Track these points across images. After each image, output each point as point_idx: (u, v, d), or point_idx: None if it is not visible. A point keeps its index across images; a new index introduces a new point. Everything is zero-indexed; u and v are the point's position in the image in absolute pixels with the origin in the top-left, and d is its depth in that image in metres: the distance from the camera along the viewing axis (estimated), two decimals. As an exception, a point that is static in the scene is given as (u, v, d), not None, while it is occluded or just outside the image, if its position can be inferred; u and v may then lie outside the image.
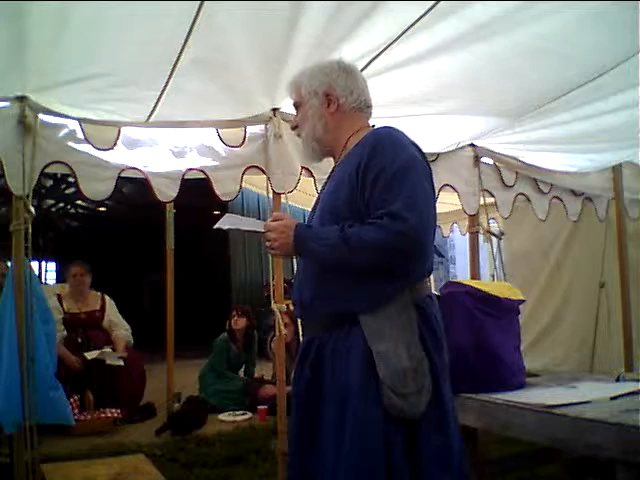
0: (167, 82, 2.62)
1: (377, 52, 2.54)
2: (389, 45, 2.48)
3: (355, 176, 1.73)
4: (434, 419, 1.71)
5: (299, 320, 3.68)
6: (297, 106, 1.98)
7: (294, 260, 3.54)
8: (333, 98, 1.89)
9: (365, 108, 1.94)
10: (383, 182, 1.67)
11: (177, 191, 3.03)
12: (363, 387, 1.68)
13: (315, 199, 2.04)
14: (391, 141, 1.76)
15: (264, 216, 6.92)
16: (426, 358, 1.71)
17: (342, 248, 1.67)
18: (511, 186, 3.97)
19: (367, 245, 1.64)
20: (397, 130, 1.81)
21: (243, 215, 11.23)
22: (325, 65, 1.95)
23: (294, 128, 2.02)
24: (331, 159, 1.99)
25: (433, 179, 1.83)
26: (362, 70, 2.64)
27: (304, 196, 3.72)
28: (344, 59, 1.98)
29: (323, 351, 1.80)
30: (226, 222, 1.86)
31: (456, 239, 10.85)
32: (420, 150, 1.81)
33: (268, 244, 1.79)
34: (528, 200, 4.07)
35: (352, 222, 1.69)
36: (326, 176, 2.06)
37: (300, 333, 3.56)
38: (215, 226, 1.88)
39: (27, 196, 2.69)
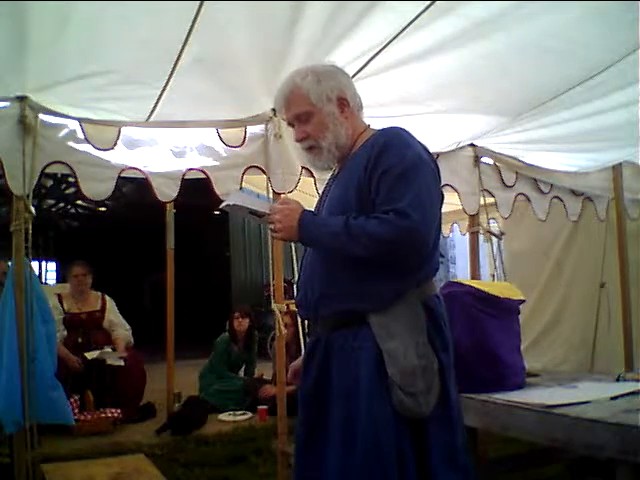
0: (168, 81, 2.61)
1: (376, 50, 2.54)
2: (388, 43, 2.48)
3: (363, 174, 1.74)
4: (441, 418, 1.72)
5: (299, 320, 3.68)
6: (305, 116, 1.85)
7: (294, 260, 3.54)
8: (345, 102, 1.86)
9: (362, 107, 1.95)
10: (390, 180, 1.68)
11: (177, 191, 3.03)
12: (373, 386, 1.69)
13: (318, 199, 2.03)
14: (400, 140, 1.76)
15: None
16: (435, 357, 1.73)
17: (344, 237, 1.67)
18: (511, 186, 3.97)
19: (369, 236, 1.65)
20: (405, 130, 1.81)
21: (243, 216, 11.24)
22: (324, 68, 1.90)
23: (302, 140, 1.88)
24: None
25: (440, 180, 1.85)
26: (362, 69, 2.65)
27: (304, 196, 3.72)
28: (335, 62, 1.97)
29: (330, 350, 1.80)
30: (233, 198, 1.82)
31: (456, 239, 10.84)
32: (428, 151, 1.82)
33: (272, 226, 1.77)
34: (528, 200, 4.07)
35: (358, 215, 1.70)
36: (326, 176, 2.06)
37: (300, 334, 3.56)
38: (222, 205, 1.85)
39: (27, 196, 2.69)
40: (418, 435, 1.70)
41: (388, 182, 1.68)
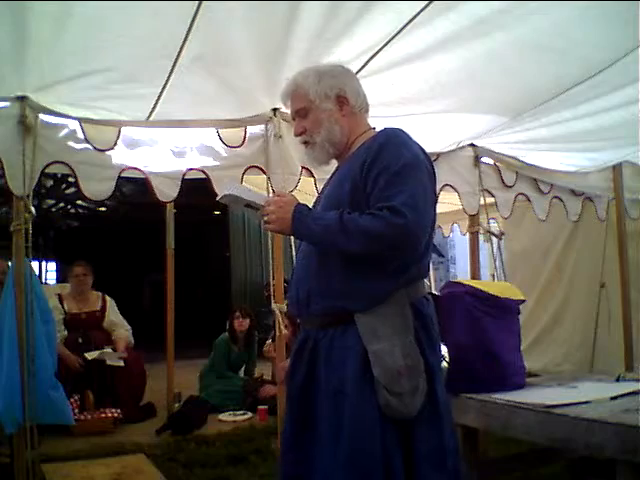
0: (168, 79, 2.61)
1: (377, 49, 2.54)
2: (388, 41, 2.48)
3: (359, 172, 1.75)
4: (428, 419, 1.72)
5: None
6: (303, 112, 1.91)
7: (294, 260, 3.54)
8: (345, 100, 1.89)
9: (367, 109, 1.97)
10: (386, 178, 1.70)
11: (177, 191, 3.03)
12: (359, 387, 1.69)
13: (315, 198, 2.05)
14: (397, 141, 1.78)
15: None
16: (421, 357, 1.73)
17: (337, 230, 1.68)
18: (511, 186, 3.97)
19: (362, 231, 1.65)
20: (404, 131, 1.83)
21: (243, 215, 11.30)
22: (329, 68, 1.94)
23: (300, 134, 1.94)
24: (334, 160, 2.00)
25: (436, 182, 1.86)
26: (362, 68, 2.65)
27: (304, 196, 3.72)
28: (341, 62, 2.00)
29: (318, 349, 1.81)
30: (229, 188, 1.84)
31: (456, 239, 10.83)
32: (425, 152, 1.84)
33: (266, 218, 1.79)
34: (528, 200, 4.07)
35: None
36: (326, 176, 2.07)
37: (300, 333, 3.56)
38: (218, 198, 1.87)
39: (27, 196, 2.69)
40: (405, 437, 1.70)
41: (384, 180, 1.70)
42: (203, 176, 3.09)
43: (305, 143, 1.94)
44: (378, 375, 1.67)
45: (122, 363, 4.92)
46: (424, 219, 1.70)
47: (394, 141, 1.78)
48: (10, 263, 2.87)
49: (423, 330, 1.77)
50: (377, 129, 1.95)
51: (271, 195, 1.87)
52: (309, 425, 1.79)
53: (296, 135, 1.97)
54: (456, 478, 1.77)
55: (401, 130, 1.83)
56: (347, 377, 1.71)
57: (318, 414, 1.77)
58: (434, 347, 1.80)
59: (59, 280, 14.24)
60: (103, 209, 12.18)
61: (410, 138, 1.82)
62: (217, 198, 1.89)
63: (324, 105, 1.87)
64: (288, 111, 2.05)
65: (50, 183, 10.16)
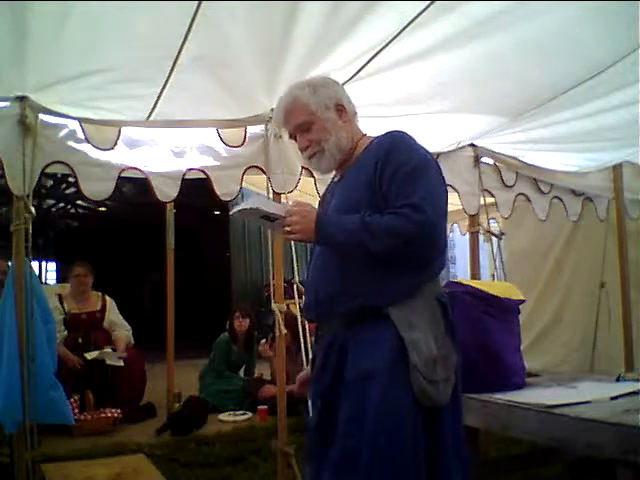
0: (167, 79, 2.61)
1: (377, 50, 2.54)
2: (389, 42, 2.48)
3: (373, 173, 1.79)
4: (453, 409, 1.79)
5: (299, 321, 3.68)
6: (305, 125, 1.93)
7: (294, 260, 3.53)
8: (342, 108, 1.95)
9: (356, 115, 2.02)
10: (402, 177, 1.74)
11: (177, 191, 3.03)
12: (391, 373, 1.72)
13: (318, 203, 2.07)
14: (407, 142, 1.84)
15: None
16: (453, 349, 1.80)
17: (361, 233, 1.71)
18: (511, 186, 3.97)
19: (386, 230, 1.69)
20: (408, 134, 1.88)
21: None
22: (319, 80, 2.00)
23: (305, 149, 1.95)
24: None
25: (445, 180, 1.90)
26: (362, 68, 2.66)
27: (304, 196, 3.72)
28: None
29: (347, 346, 1.81)
30: (249, 202, 1.83)
31: (456, 239, 10.81)
32: (430, 154, 1.89)
33: (288, 228, 1.79)
34: (528, 200, 4.08)
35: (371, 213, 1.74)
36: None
37: (301, 336, 3.56)
38: (233, 211, 1.84)
39: (27, 196, 2.69)
40: (431, 423, 1.73)
41: (400, 179, 1.74)
42: (203, 176, 3.09)
43: (312, 155, 1.95)
44: (416, 363, 1.70)
45: (122, 363, 4.93)
46: (442, 214, 1.77)
47: (404, 142, 1.83)
48: (10, 263, 2.86)
49: (450, 324, 1.83)
50: (372, 129, 1.99)
51: (290, 205, 1.87)
52: (333, 424, 1.79)
53: (302, 150, 1.97)
54: (467, 465, 1.83)
55: (405, 133, 1.88)
56: (378, 364, 1.72)
57: (341, 408, 1.78)
58: (456, 340, 1.85)
59: (59, 280, 14.28)
60: (103, 209, 12.21)
61: (415, 140, 1.87)
62: (231, 212, 1.90)
63: (326, 115, 1.91)
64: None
65: (50, 183, 10.18)
